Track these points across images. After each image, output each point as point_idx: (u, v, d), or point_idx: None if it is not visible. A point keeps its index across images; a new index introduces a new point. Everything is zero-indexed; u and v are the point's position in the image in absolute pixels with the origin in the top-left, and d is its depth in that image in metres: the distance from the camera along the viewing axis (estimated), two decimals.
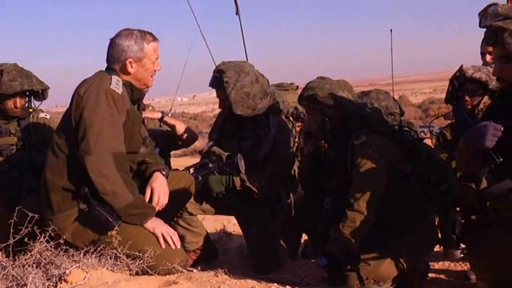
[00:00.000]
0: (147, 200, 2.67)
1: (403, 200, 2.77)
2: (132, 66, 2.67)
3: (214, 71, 3.44)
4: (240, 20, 5.30)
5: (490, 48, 3.70)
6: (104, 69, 2.73)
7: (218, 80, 3.38)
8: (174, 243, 2.59)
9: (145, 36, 2.70)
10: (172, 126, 3.78)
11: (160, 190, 2.71)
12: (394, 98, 3.59)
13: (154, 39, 2.74)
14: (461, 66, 3.49)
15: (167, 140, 3.82)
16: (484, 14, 2.15)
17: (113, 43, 2.70)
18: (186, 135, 3.81)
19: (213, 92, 3.63)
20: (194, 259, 3.52)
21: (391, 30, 7.55)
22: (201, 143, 9.24)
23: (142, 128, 2.90)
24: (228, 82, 3.33)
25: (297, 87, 4.16)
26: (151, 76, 2.76)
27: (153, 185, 2.73)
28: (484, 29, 2.21)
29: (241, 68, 3.39)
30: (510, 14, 2.10)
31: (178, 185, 2.97)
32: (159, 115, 3.85)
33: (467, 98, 3.42)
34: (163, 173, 2.82)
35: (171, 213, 3.11)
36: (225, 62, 3.46)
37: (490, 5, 2.16)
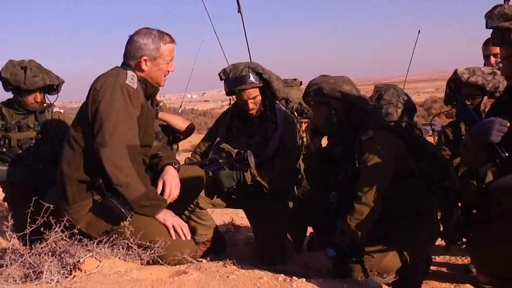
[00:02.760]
0: (159, 192, 2.72)
1: (408, 195, 2.81)
2: (146, 64, 2.73)
3: (245, 71, 3.47)
4: (242, 18, 5.33)
5: (494, 51, 3.71)
6: (119, 65, 2.78)
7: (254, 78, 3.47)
8: (184, 235, 2.64)
9: (163, 37, 2.75)
10: (167, 121, 3.86)
11: (171, 183, 2.76)
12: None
13: (172, 41, 2.78)
14: (456, 70, 3.47)
15: (166, 134, 3.92)
16: (490, 16, 2.18)
17: (131, 40, 2.75)
18: (183, 126, 3.92)
19: (222, 90, 3.69)
20: (204, 250, 3.59)
21: (419, 31, 7.33)
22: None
23: (156, 123, 2.96)
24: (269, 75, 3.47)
25: (301, 83, 4.20)
26: (164, 76, 2.81)
27: (165, 178, 2.78)
28: (490, 30, 2.24)
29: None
30: None
31: (190, 178, 3.02)
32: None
33: (467, 101, 3.41)
34: (175, 166, 2.87)
35: (182, 206, 3.17)
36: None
37: (495, 6, 2.19)
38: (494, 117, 2.19)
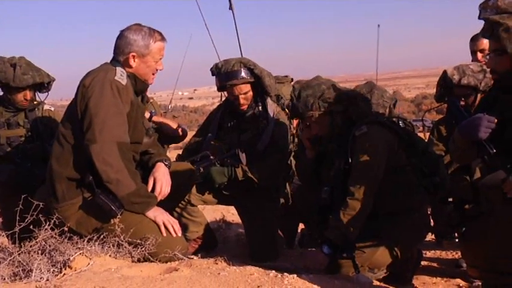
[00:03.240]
0: (149, 189, 2.71)
1: (398, 190, 2.81)
2: (134, 61, 2.71)
3: (237, 66, 3.47)
4: (233, 14, 5.33)
5: (481, 46, 3.71)
6: (109, 61, 2.76)
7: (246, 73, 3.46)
8: (175, 232, 2.64)
9: (154, 34, 2.73)
10: (161, 125, 3.84)
11: (162, 180, 2.75)
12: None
13: (162, 39, 2.76)
14: (445, 71, 3.45)
15: (159, 137, 3.90)
16: (484, 6, 2.18)
17: (121, 35, 2.74)
18: (176, 132, 3.87)
19: (213, 87, 3.68)
20: (195, 247, 3.59)
21: (378, 25, 7.57)
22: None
23: (145, 119, 2.95)
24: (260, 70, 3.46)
25: (292, 79, 4.21)
26: (153, 74, 2.79)
27: (156, 174, 2.77)
28: (478, 27, 2.25)
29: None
30: (509, 9, 2.13)
31: (180, 175, 3.01)
32: (147, 115, 3.90)
33: (461, 101, 3.38)
34: (166, 163, 2.86)
35: (173, 203, 3.17)
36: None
37: None
38: (482, 113, 2.20)
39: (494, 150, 2.15)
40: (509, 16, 2.13)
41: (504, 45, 2.13)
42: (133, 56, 2.71)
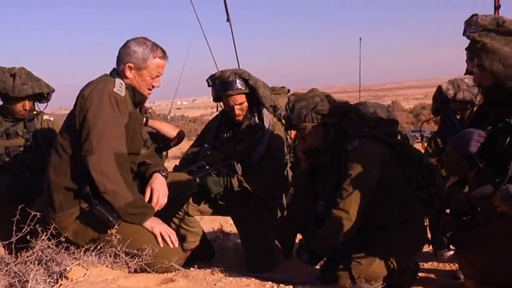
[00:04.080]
0: (146, 199, 2.72)
1: (394, 203, 2.82)
2: (131, 72, 2.72)
3: (232, 77, 3.48)
4: (231, 26, 5.39)
5: None
6: (108, 72, 2.77)
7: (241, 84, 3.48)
8: (172, 242, 2.64)
9: (155, 50, 2.73)
10: (158, 129, 3.86)
11: (159, 190, 2.76)
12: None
13: (163, 57, 2.76)
14: (440, 87, 3.47)
15: (156, 142, 3.91)
16: (468, 23, 2.24)
17: (125, 44, 2.75)
18: (173, 134, 3.90)
19: (212, 98, 3.70)
20: (191, 258, 3.59)
21: (360, 38, 7.65)
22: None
23: (144, 130, 2.96)
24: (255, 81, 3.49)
25: (289, 90, 4.24)
26: (149, 89, 2.79)
27: (153, 185, 2.78)
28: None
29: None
30: (487, 26, 2.19)
31: (177, 186, 3.02)
32: (143, 120, 3.92)
33: (457, 115, 3.38)
34: (163, 174, 2.86)
35: (170, 213, 3.17)
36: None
37: (473, 15, 2.24)
38: (472, 128, 2.23)
39: (484, 164, 2.18)
40: (488, 34, 2.18)
41: (482, 62, 2.18)
42: (130, 67, 2.72)
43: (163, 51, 2.78)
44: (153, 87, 2.81)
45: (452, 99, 3.37)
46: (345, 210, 2.66)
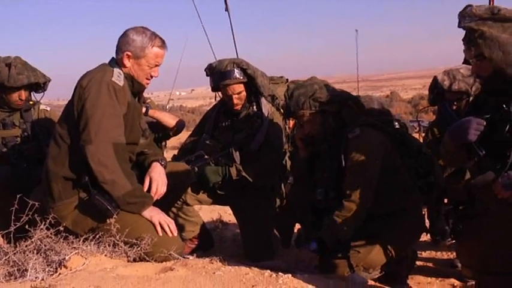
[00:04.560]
0: (145, 189, 2.72)
1: (393, 191, 2.82)
2: (129, 61, 2.71)
3: (230, 67, 3.47)
4: (229, 16, 5.36)
5: None
6: (107, 61, 2.77)
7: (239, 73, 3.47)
8: (171, 231, 2.64)
9: (154, 40, 2.72)
10: (158, 119, 3.86)
11: (158, 180, 2.76)
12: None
13: (161, 46, 2.74)
14: (435, 78, 3.48)
15: (156, 131, 3.92)
16: (462, 15, 2.23)
17: (124, 33, 2.74)
18: (173, 124, 3.92)
19: (210, 87, 3.70)
20: (191, 247, 3.60)
21: (356, 30, 7.67)
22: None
23: (143, 120, 2.95)
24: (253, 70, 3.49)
25: (287, 80, 4.23)
26: (147, 79, 2.78)
27: (152, 174, 2.78)
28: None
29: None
30: (484, 15, 2.18)
31: (176, 175, 3.02)
32: (143, 109, 3.92)
33: (453, 105, 3.38)
34: (162, 163, 2.86)
35: (169, 203, 3.18)
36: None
37: (467, 6, 2.24)
38: (471, 116, 2.22)
39: (484, 152, 2.17)
40: (484, 22, 2.17)
41: (482, 50, 2.17)
42: (128, 56, 2.71)
43: (162, 41, 2.76)
44: (151, 77, 2.79)
45: (448, 89, 3.38)
46: (356, 201, 2.67)
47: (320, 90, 2.87)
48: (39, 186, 2.82)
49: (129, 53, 2.70)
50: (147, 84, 2.81)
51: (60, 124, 2.73)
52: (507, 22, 2.17)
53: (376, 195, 2.74)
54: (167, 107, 8.48)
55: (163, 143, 4.28)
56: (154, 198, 2.72)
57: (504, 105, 2.18)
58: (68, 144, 2.65)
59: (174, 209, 3.47)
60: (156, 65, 2.77)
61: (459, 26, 2.24)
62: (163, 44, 2.76)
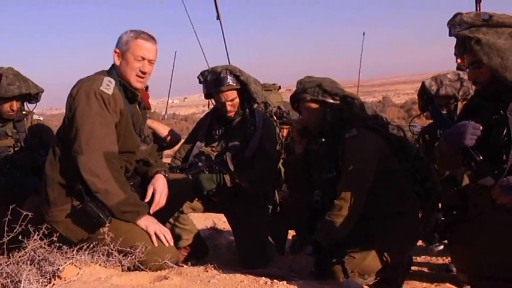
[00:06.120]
0: (148, 199, 2.73)
1: (390, 195, 2.83)
2: (118, 58, 2.72)
3: (223, 73, 3.46)
4: (221, 24, 5.39)
5: None
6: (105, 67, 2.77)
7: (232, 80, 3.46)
8: (167, 241, 2.63)
9: (139, 34, 2.71)
10: (155, 130, 3.85)
11: (161, 190, 2.78)
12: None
13: (147, 39, 2.71)
14: (423, 83, 3.52)
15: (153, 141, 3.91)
16: (452, 23, 2.23)
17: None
18: (169, 137, 3.92)
19: (203, 95, 3.71)
20: (185, 255, 3.58)
21: (363, 33, 7.74)
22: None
23: (146, 126, 2.94)
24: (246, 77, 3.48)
25: (279, 87, 4.24)
26: (137, 76, 2.72)
27: (156, 185, 2.80)
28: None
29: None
30: (475, 23, 2.18)
31: (177, 187, 3.02)
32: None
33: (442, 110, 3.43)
34: (165, 175, 2.88)
35: (168, 214, 3.16)
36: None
37: (456, 15, 2.23)
38: (466, 120, 2.22)
39: (481, 157, 2.17)
40: (478, 29, 2.17)
41: (479, 57, 2.16)
42: (117, 53, 2.72)
43: (149, 35, 2.73)
44: (143, 73, 2.72)
45: (436, 94, 3.42)
46: (347, 201, 2.68)
47: (328, 83, 2.91)
48: (32, 196, 2.81)
49: (117, 50, 2.71)
50: (139, 82, 2.75)
51: (59, 131, 2.75)
52: (500, 27, 2.17)
53: (373, 198, 2.75)
54: (165, 116, 8.52)
55: (160, 155, 4.27)
56: (155, 209, 2.73)
57: (501, 111, 2.18)
58: (62, 151, 2.66)
59: (171, 220, 3.46)
60: (143, 58, 2.70)
61: (450, 35, 2.23)
62: (149, 37, 2.73)
